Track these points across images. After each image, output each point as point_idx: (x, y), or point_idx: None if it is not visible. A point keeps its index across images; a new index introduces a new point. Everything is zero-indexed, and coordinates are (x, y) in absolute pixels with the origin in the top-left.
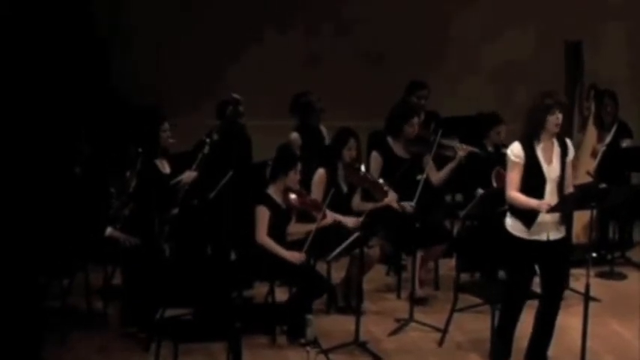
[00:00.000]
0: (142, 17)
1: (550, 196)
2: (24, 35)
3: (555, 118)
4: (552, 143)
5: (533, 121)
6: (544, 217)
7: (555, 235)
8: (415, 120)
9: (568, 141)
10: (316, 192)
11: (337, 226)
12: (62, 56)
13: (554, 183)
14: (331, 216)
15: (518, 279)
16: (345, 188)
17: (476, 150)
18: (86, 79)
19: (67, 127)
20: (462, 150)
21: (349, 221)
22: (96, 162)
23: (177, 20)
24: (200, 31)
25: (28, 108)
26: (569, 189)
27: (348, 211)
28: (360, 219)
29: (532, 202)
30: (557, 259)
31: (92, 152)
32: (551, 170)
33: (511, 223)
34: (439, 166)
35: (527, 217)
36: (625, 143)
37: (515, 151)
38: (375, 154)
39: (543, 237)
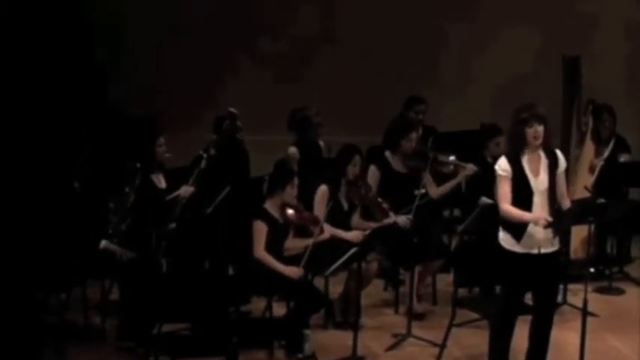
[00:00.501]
0: (139, 33)
1: (539, 209)
2: (20, 37)
3: (534, 131)
4: (539, 156)
5: (513, 135)
6: (535, 231)
7: (547, 248)
8: (413, 135)
9: (558, 152)
10: (319, 208)
11: (335, 241)
12: (59, 61)
13: (542, 195)
14: (329, 231)
15: (510, 292)
16: (345, 205)
17: (477, 170)
18: (83, 86)
19: (66, 135)
20: (468, 170)
21: (351, 235)
22: (95, 177)
23: (175, 34)
24: (197, 45)
25: (25, 115)
26: (564, 201)
27: (347, 228)
28: (363, 233)
29: (527, 215)
30: (550, 273)
31: (91, 166)
32: (539, 182)
33: (503, 237)
34: (439, 182)
35: (517, 229)
36: (623, 158)
37: (502, 165)
38: (372, 168)
39: (535, 250)
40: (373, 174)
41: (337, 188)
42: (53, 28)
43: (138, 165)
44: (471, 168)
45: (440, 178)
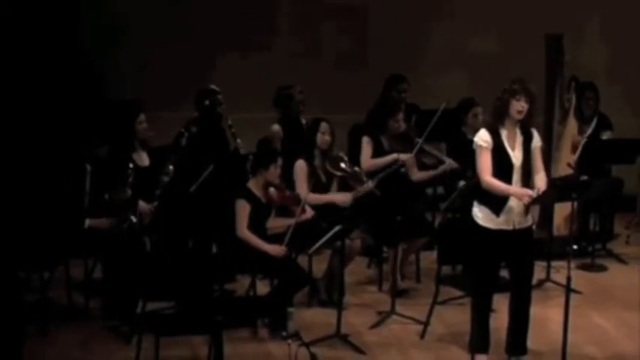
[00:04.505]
0: (129, 11)
1: (516, 185)
2: (12, 32)
3: (519, 105)
4: (515, 132)
5: (498, 105)
6: (514, 205)
7: (521, 224)
8: (400, 115)
9: (533, 130)
10: (300, 183)
11: (317, 219)
12: (48, 54)
13: (518, 172)
14: (318, 199)
15: (485, 269)
16: (323, 178)
17: (456, 166)
18: (70, 72)
19: (58, 124)
20: (447, 165)
21: (339, 197)
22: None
23: (165, 16)
24: (186, 26)
25: (19, 107)
26: (539, 174)
27: None
28: (349, 195)
29: (513, 189)
30: (524, 248)
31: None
32: (516, 157)
33: (477, 213)
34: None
35: (497, 203)
36: (605, 135)
37: (482, 136)
38: (366, 139)
39: (510, 226)
40: (367, 144)
41: (312, 161)
42: (39, 23)
43: (131, 166)
44: (450, 164)
45: (420, 167)
